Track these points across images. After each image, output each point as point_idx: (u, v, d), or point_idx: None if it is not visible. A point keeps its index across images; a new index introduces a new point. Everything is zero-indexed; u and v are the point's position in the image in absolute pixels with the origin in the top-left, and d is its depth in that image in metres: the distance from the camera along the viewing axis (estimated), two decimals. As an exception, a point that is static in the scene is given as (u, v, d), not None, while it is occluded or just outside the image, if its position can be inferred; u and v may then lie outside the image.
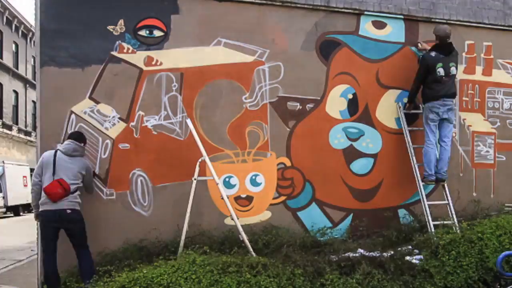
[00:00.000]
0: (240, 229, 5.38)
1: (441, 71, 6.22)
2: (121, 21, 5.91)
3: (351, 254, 5.40)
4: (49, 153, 5.32)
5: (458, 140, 6.95)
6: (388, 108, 6.73)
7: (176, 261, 4.81)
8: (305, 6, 6.45)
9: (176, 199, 5.86)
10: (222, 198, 5.45)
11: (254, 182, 6.23)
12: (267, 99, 6.32)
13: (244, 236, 5.36)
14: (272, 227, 5.98)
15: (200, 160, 5.46)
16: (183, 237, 5.29)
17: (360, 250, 5.50)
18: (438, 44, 6.35)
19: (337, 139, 6.54)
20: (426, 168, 6.27)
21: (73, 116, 5.75)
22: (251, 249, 5.33)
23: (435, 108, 6.27)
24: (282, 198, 6.30)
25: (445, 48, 6.30)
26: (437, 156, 6.35)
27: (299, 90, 6.40)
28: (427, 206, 6.12)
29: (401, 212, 6.68)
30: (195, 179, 5.42)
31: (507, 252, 4.61)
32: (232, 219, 5.43)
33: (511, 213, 6.29)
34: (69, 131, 5.66)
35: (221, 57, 6.19)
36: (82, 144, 5.47)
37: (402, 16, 6.82)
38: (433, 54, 6.29)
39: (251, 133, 6.26)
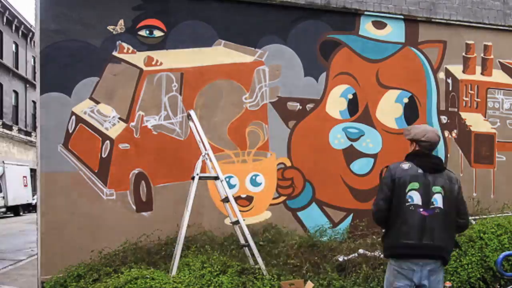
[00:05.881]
0: (249, 237, 4.84)
1: None
2: (121, 21, 5.90)
3: (351, 255, 5.40)
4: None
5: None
6: (388, 108, 6.73)
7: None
8: (305, 6, 6.45)
9: (177, 199, 5.85)
10: (222, 200, 5.14)
11: (254, 182, 6.22)
12: (267, 99, 6.32)
13: (253, 246, 4.80)
14: (271, 227, 5.98)
15: (203, 154, 4.92)
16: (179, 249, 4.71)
17: (360, 250, 5.49)
18: None
19: (337, 139, 6.54)
20: None
21: (73, 116, 5.75)
22: (260, 262, 4.79)
23: None
24: (282, 198, 6.31)
25: None
26: None
27: (298, 90, 6.42)
28: None
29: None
30: (197, 174, 4.79)
31: (507, 252, 4.60)
32: (231, 222, 5.17)
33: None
34: (70, 131, 5.66)
35: (221, 57, 6.19)
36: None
37: (402, 16, 6.82)
38: None
39: (251, 133, 6.26)
